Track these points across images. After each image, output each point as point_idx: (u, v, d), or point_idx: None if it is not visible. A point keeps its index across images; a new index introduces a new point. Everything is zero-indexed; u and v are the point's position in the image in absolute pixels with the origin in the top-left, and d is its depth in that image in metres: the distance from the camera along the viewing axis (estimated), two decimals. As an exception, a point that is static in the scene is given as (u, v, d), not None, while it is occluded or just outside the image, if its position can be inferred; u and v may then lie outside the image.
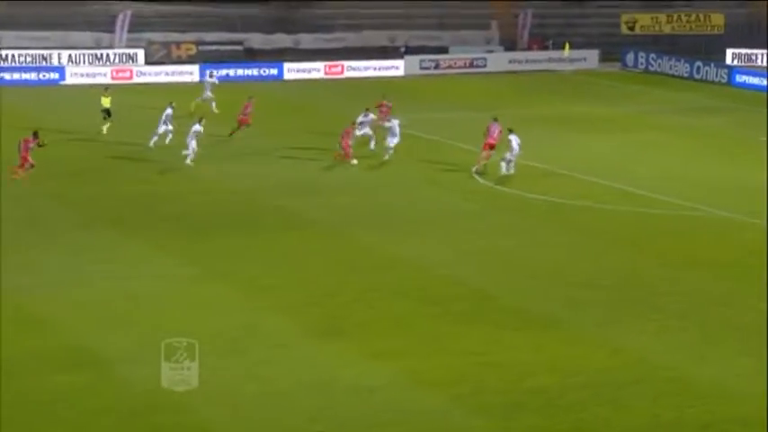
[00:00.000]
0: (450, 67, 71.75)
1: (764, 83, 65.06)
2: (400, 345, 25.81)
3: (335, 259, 32.31)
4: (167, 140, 45.17)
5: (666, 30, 77.98)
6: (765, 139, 50.20)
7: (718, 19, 77.97)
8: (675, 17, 78.38)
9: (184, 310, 27.73)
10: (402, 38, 74.54)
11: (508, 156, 41.45)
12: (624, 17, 78.31)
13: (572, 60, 72.98)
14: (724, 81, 67.31)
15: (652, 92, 64.18)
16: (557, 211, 38.02)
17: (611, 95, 62.98)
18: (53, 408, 22.07)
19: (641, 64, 72.76)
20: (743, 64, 70.31)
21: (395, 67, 70.71)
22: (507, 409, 22.49)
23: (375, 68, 70.30)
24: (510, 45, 76.14)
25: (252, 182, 41.18)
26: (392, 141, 43.21)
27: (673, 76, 69.90)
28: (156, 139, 45.13)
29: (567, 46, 73.31)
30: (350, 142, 43.10)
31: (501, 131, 42.54)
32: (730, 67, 68.88)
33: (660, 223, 36.60)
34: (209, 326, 26.58)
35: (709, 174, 43.52)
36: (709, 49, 72.06)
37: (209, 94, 54.78)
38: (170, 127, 45.51)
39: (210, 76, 57.03)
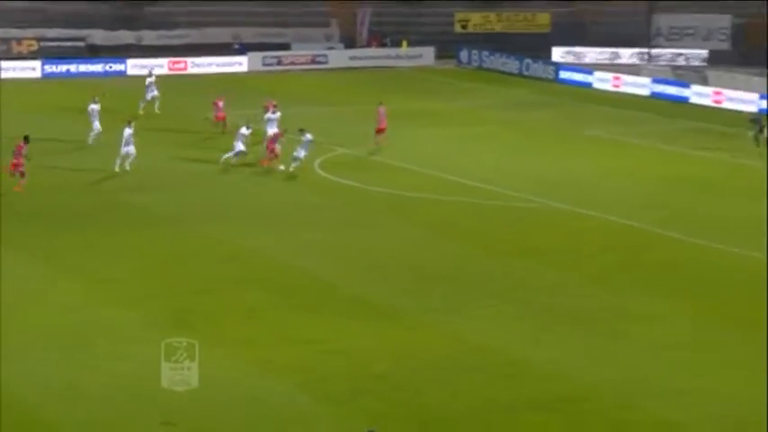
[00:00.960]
0: (292, 63, 71.63)
1: (588, 79, 66.65)
2: (247, 335, 25.76)
3: (182, 252, 32.04)
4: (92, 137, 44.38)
5: (497, 28, 79.21)
6: (590, 132, 51.46)
7: (544, 18, 79.54)
8: (505, 16, 79.73)
9: (30, 306, 27.16)
10: (244, 35, 74.13)
11: (298, 152, 40.82)
12: (458, 16, 79.27)
13: (409, 57, 73.58)
14: (551, 77, 68.71)
15: (485, 88, 65.10)
16: (397, 203, 38.33)
17: (446, 91, 63.68)
18: None
19: (475, 61, 73.78)
20: (568, 61, 71.87)
21: (238, 63, 70.30)
22: (352, 394, 22.65)
23: (218, 65, 69.80)
24: (350, 42, 76.37)
25: (99, 177, 40.48)
26: (301, 153, 41.56)
27: (504, 72, 71.05)
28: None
29: (405, 43, 73.91)
30: (277, 146, 41.62)
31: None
32: (556, 64, 70.36)
33: (494, 214, 37.18)
34: (55, 321, 26.12)
35: (538, 166, 44.35)
36: (537, 47, 73.48)
37: (155, 92, 52.38)
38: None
39: (150, 75, 54.00)
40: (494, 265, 31.50)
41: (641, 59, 72.27)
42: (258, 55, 70.98)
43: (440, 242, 33.84)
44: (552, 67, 69.65)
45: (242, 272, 30.30)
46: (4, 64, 64.74)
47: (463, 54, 74.46)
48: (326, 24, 77.39)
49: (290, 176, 40.55)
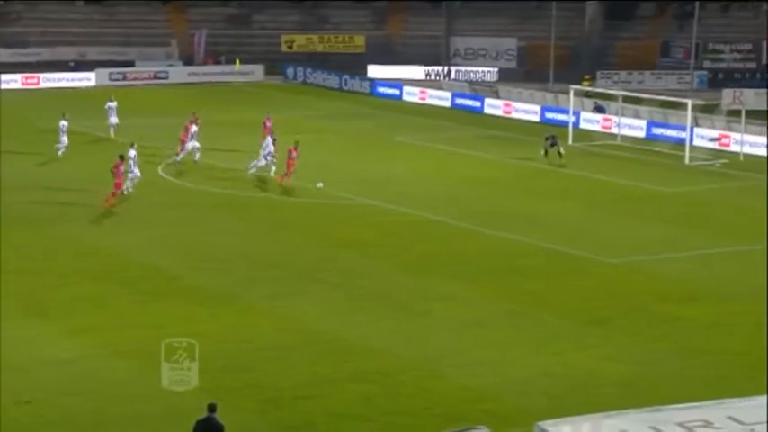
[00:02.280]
0: (136, 78, 70.32)
1: (398, 92, 67.32)
2: (95, 321, 25.12)
3: (39, 248, 31.04)
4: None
5: (319, 48, 79.43)
6: (400, 139, 51.99)
7: (360, 40, 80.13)
8: (326, 38, 79.97)
9: None
10: (91, 53, 72.40)
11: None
12: (284, 38, 79.16)
13: (242, 74, 73.04)
14: (366, 91, 69.14)
15: (309, 100, 65.09)
16: (232, 202, 37.94)
17: (275, 103, 63.41)
18: None
19: (300, 77, 73.72)
20: (381, 77, 72.45)
21: (87, 79, 68.59)
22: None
23: (68, 80, 67.94)
24: (188, 60, 75.45)
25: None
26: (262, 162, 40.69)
27: (325, 87, 71.17)
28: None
29: (238, 61, 73.34)
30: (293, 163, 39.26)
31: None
32: (371, 80, 70.85)
33: (319, 210, 37.18)
34: None
35: (357, 168, 44.58)
36: (355, 66, 73.92)
37: (114, 120, 48.24)
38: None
39: (111, 100, 49.34)
40: (317, 256, 31.47)
41: (443, 76, 73.46)
42: (105, 71, 69.45)
43: (271, 236, 33.65)
44: (368, 83, 70.11)
45: (97, 266, 29.52)
46: None
47: (289, 71, 74.38)
48: (167, 44, 76.32)
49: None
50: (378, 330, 25.34)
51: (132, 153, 37.24)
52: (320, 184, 38.95)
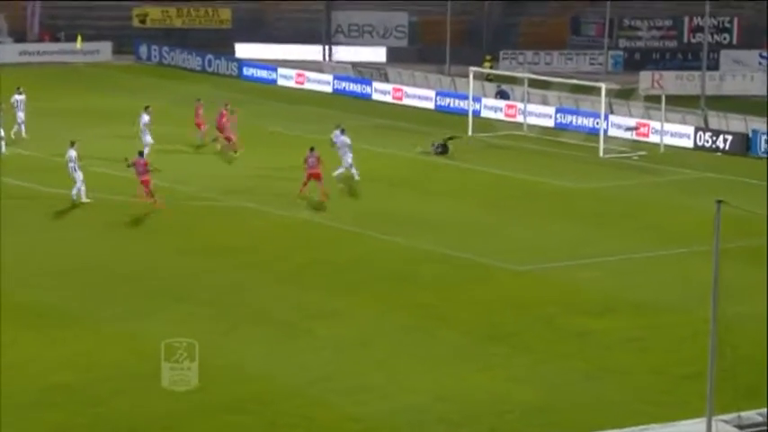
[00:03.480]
0: (-44, 58, 68.72)
1: (272, 76, 67.24)
2: None
3: None
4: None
5: (177, 23, 78.70)
6: (275, 129, 51.91)
7: (225, 14, 79.65)
8: (185, 11, 79.27)
9: None
10: None
11: None
12: (136, 11, 78.21)
13: (85, 53, 71.91)
14: (234, 74, 68.84)
15: (166, 84, 64.46)
16: (69, 204, 37.30)
17: (126, 87, 62.63)
18: None
19: (155, 57, 72.99)
20: (251, 57, 72.19)
21: None
22: (27, 408, 21.97)
23: None
24: (20, 36, 73.96)
25: None
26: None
27: (186, 68, 70.60)
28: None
29: (80, 38, 72.14)
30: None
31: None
32: (240, 61, 70.57)
33: (182, 213, 36.84)
34: None
35: (224, 164, 44.29)
36: (220, 44, 73.50)
37: (21, 115, 47.06)
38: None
39: (20, 93, 48.17)
40: (180, 266, 31.25)
41: (323, 57, 73.52)
42: None
43: (120, 244, 33.28)
44: (235, 64, 69.81)
45: None
46: None
47: (142, 50, 73.55)
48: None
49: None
50: (252, 353, 25.34)
51: (73, 153, 37.46)
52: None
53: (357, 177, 40.95)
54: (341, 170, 40.80)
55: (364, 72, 66.31)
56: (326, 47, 74.78)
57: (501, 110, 56.75)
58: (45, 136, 45.73)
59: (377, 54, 74.90)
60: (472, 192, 41.50)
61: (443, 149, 46.81)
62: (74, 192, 37.40)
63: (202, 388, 22.96)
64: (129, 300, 28.56)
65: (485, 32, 76.38)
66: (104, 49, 72.86)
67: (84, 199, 37.26)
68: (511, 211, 38.83)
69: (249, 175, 42.48)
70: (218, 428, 21.46)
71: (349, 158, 41.01)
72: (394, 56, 74.37)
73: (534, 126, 53.61)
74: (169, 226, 35.33)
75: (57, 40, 73.68)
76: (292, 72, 66.73)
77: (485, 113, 56.03)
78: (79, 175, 37.50)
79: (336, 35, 78.15)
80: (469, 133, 51.13)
